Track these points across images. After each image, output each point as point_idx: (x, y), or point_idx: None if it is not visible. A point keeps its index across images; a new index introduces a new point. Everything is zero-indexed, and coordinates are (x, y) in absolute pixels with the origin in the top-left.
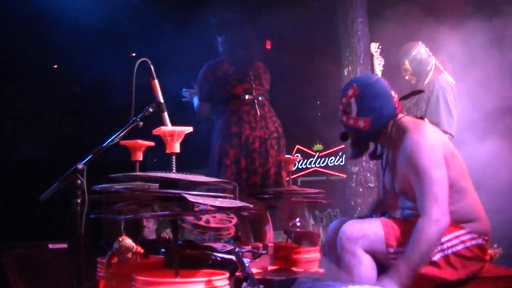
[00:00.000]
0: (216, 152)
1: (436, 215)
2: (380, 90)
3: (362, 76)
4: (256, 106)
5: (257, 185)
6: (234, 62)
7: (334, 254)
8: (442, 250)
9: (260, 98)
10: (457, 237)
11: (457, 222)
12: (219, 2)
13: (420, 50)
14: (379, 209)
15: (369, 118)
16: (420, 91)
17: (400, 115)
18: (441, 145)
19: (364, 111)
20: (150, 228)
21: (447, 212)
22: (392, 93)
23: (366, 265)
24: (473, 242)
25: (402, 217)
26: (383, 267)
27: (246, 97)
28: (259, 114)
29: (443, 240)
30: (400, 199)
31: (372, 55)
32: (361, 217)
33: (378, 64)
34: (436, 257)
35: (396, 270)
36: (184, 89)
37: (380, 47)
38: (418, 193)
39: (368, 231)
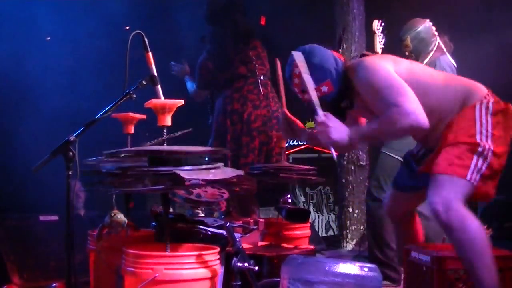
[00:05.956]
0: (216, 128)
1: (409, 107)
2: (320, 52)
3: (295, 52)
4: (260, 85)
5: (258, 163)
6: (234, 48)
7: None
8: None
9: (262, 77)
10: (481, 116)
11: (463, 102)
12: None
13: (425, 28)
14: None
15: (328, 79)
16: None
17: (348, 62)
18: (390, 63)
19: (320, 75)
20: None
21: (424, 118)
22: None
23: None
24: (490, 107)
25: None
26: None
27: (250, 76)
28: (262, 93)
29: (481, 122)
30: None
31: (374, 33)
32: None
33: (379, 42)
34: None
35: (361, 129)
36: (172, 63)
37: (382, 24)
38: (384, 105)
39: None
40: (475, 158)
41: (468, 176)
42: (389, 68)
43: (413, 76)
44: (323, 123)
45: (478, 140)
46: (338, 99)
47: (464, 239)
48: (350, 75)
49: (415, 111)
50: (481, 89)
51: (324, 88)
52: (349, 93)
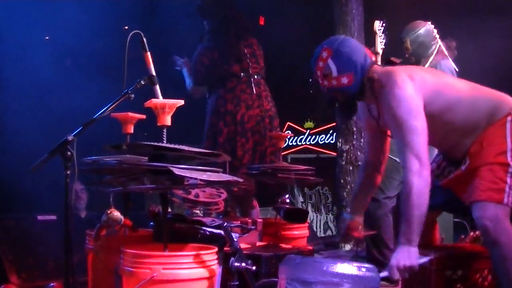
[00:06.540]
0: (209, 129)
1: (416, 166)
2: (352, 44)
3: (329, 39)
4: (252, 84)
5: (252, 163)
6: (230, 45)
7: None
8: None
9: (256, 76)
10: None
11: (491, 114)
12: None
13: (425, 31)
14: (369, 170)
15: (351, 73)
16: None
17: (375, 66)
18: (418, 91)
19: (344, 66)
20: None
21: (427, 163)
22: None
23: None
24: None
25: None
26: None
27: (243, 75)
28: (255, 92)
29: None
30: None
31: (375, 33)
32: None
33: (380, 42)
34: None
35: (402, 232)
36: (176, 57)
37: (384, 25)
38: (399, 144)
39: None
40: (508, 179)
41: (505, 200)
42: (415, 99)
43: (439, 93)
44: (399, 270)
45: (509, 159)
46: (353, 96)
47: (509, 256)
48: (375, 83)
49: (418, 165)
50: (509, 101)
51: (345, 80)
52: (367, 96)
